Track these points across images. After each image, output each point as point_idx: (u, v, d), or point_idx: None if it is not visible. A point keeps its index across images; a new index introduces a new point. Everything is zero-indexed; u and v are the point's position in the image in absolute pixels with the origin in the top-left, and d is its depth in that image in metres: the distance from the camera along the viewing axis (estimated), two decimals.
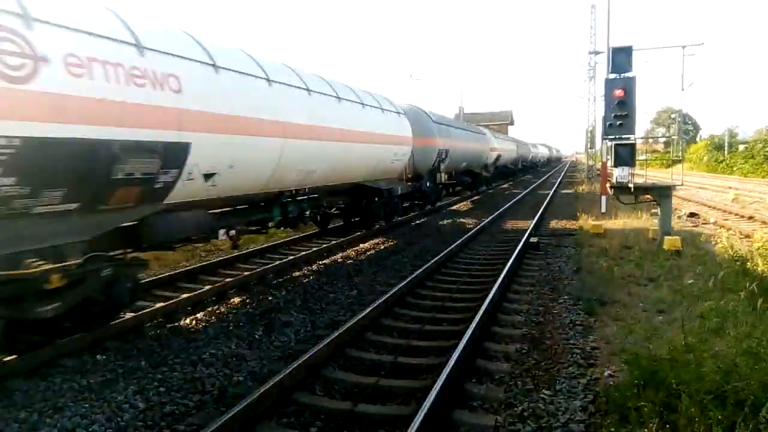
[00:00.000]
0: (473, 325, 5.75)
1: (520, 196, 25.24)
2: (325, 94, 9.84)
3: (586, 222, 13.91)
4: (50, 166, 4.73)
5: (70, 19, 4.99)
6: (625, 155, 11.56)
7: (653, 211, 14.30)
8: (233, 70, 7.23)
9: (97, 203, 5.41)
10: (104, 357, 5.64)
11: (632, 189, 11.73)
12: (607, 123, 11.56)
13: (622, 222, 14.18)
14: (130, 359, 5.58)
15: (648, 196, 12.24)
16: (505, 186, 35.17)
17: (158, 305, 7.12)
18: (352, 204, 13.05)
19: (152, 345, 6.01)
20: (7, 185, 4.42)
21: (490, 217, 16.19)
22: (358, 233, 13.07)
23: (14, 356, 5.33)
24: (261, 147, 7.67)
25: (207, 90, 6.57)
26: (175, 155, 6.02)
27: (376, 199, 13.22)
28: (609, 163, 12.60)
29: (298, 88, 8.93)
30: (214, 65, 6.81)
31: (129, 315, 6.71)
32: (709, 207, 20.42)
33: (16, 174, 4.46)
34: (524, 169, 50.62)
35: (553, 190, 27.59)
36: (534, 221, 14.64)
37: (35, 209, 4.78)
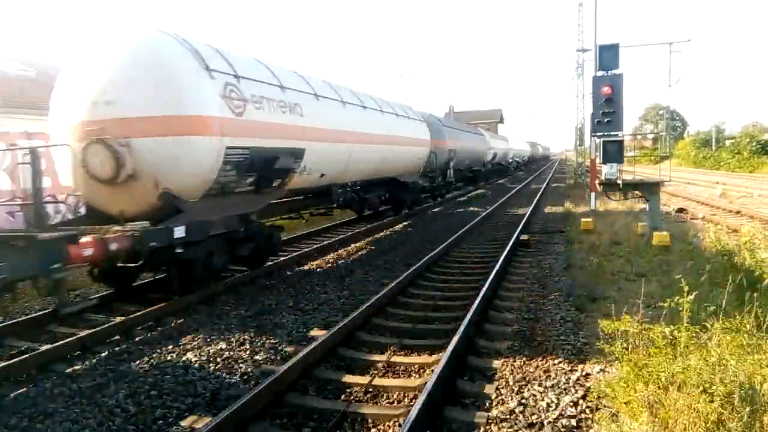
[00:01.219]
0: None
1: None
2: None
3: None
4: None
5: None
6: (614, 152, 11.66)
7: (642, 207, 14.41)
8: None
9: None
10: (95, 361, 5.61)
11: (621, 185, 11.82)
12: (596, 120, 11.65)
13: (612, 218, 14.28)
14: (122, 363, 5.55)
15: (637, 192, 12.34)
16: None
17: (149, 309, 7.09)
18: None
19: (143, 348, 5.98)
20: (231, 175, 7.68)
21: None
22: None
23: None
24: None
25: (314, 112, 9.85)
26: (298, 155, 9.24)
27: None
28: (598, 160, 12.67)
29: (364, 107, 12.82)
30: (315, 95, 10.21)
31: (119, 318, 6.69)
32: (698, 202, 20.60)
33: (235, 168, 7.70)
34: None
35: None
36: None
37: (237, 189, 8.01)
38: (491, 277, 7.82)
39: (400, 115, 15.69)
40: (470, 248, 11.59)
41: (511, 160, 46.09)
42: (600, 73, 11.66)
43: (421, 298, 7.67)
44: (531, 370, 5.10)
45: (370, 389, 4.84)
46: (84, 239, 5.88)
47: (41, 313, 7.02)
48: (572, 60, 47.12)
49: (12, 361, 5.39)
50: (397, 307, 7.30)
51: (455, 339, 5.34)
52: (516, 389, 4.69)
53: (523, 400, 4.49)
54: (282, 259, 10.10)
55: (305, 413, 4.48)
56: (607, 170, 11.72)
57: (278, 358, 5.68)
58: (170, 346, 6.01)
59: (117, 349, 5.97)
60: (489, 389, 4.70)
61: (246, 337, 6.26)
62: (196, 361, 5.57)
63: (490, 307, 6.97)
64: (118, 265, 6.87)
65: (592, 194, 14.43)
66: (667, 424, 3.54)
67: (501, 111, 73.70)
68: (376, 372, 5.24)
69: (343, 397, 4.77)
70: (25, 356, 5.47)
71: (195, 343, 6.12)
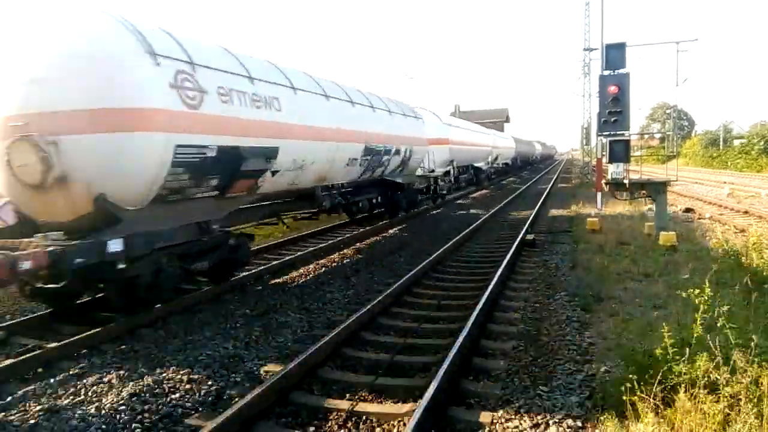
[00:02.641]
0: None
1: None
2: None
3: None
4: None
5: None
6: (620, 151, 11.61)
7: (648, 206, 14.35)
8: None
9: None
10: (101, 359, 5.64)
11: (627, 185, 11.77)
12: (602, 119, 11.60)
13: (618, 218, 14.22)
14: (127, 361, 5.57)
15: (643, 192, 12.28)
16: None
17: (154, 307, 7.10)
18: None
19: (149, 347, 6.00)
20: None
21: None
22: None
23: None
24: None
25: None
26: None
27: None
28: (604, 160, 12.63)
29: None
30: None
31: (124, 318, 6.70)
32: (705, 202, 20.48)
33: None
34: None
35: None
36: None
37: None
38: None
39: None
40: None
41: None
42: (607, 73, 11.61)
43: None
44: None
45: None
46: None
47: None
48: (579, 59, 47.08)
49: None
50: None
51: None
52: None
53: None
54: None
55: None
56: (613, 170, 11.68)
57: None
58: (175, 345, 6.03)
59: (123, 347, 5.99)
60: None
61: (252, 336, 6.28)
62: (201, 359, 5.59)
63: None
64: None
65: (598, 194, 14.38)
66: (673, 425, 3.52)
67: (507, 110, 73.02)
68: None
69: None
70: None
71: (200, 341, 6.14)
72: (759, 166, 44.47)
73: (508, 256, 9.40)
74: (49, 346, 5.80)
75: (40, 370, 5.40)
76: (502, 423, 4.17)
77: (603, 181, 12.60)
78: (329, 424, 4.30)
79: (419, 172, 17.41)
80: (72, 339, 5.92)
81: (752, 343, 3.96)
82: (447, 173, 21.66)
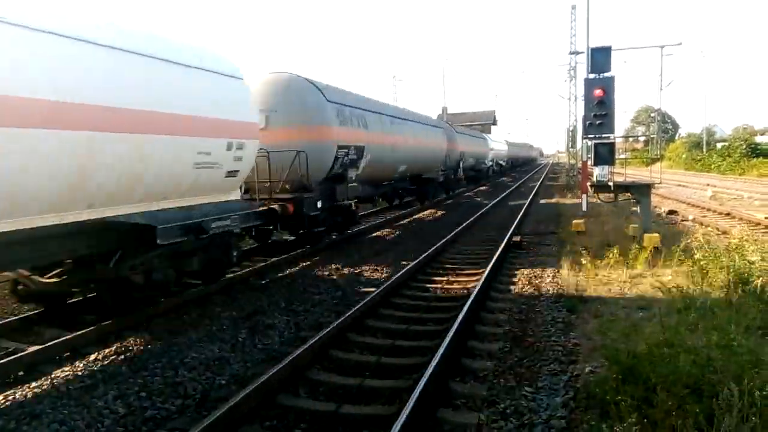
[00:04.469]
0: None
1: None
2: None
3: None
4: None
5: None
6: (605, 154, 11.68)
7: (633, 209, 14.48)
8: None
9: None
10: (83, 363, 5.57)
11: (612, 187, 11.87)
12: (587, 122, 11.67)
13: (603, 220, 14.35)
14: (111, 364, 5.51)
15: (628, 194, 12.39)
16: None
17: (139, 309, 7.04)
18: None
19: (132, 349, 5.94)
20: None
21: None
22: None
23: None
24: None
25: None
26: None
27: None
28: (589, 162, 12.74)
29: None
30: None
31: (109, 321, 6.64)
32: (688, 204, 20.72)
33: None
34: None
35: None
36: None
37: None
38: None
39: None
40: None
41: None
42: (592, 76, 11.69)
43: None
44: None
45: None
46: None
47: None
48: (565, 62, 47.36)
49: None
50: None
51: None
52: None
53: None
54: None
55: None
56: (598, 172, 11.77)
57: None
58: (159, 347, 5.98)
59: (107, 350, 5.92)
60: None
61: (238, 338, 6.25)
62: (186, 362, 5.54)
63: None
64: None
65: (583, 196, 14.51)
66: (656, 424, 3.55)
67: (494, 112, 73.03)
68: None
69: None
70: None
71: (185, 343, 6.09)
72: (741, 168, 45.09)
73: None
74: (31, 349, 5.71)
75: (21, 373, 5.31)
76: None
77: (588, 183, 12.71)
78: None
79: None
80: (57, 340, 5.83)
81: (735, 343, 4.02)
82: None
